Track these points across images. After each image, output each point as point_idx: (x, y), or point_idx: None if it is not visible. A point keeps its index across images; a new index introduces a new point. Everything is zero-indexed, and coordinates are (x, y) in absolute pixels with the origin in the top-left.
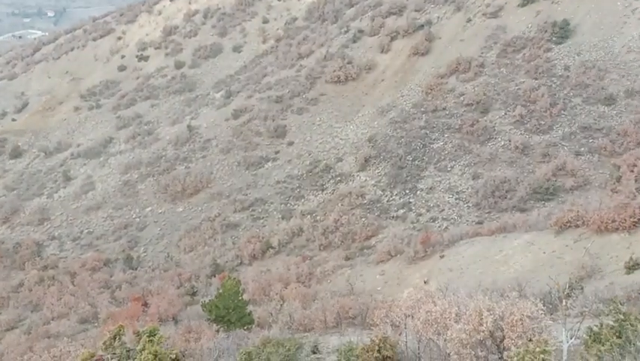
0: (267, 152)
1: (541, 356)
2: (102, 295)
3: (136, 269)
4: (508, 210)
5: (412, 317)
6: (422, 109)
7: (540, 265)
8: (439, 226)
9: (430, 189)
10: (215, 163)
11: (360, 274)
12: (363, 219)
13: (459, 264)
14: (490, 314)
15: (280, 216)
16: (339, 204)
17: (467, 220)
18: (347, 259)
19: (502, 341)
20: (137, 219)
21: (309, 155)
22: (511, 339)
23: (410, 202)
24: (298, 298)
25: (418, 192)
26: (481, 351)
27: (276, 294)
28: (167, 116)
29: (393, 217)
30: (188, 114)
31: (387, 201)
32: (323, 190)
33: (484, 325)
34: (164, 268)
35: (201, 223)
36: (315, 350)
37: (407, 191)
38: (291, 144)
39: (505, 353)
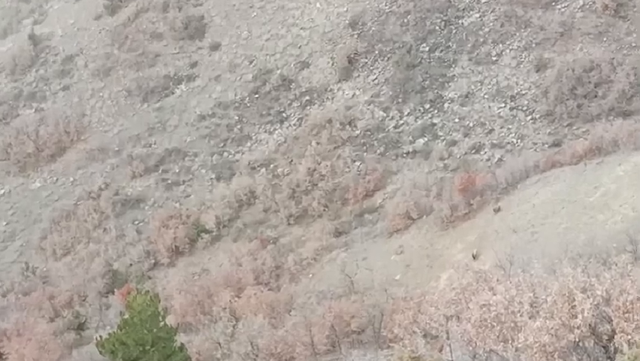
0: (177, 67)
1: None
2: None
3: None
4: (602, 116)
5: (458, 318)
6: None
7: None
8: (488, 159)
9: (466, 96)
10: (88, 97)
11: (362, 257)
12: (358, 164)
13: (528, 219)
14: (589, 297)
15: (214, 175)
16: (314, 143)
17: (535, 143)
18: (337, 234)
19: (611, 338)
20: None
21: (251, 63)
22: (626, 334)
23: (434, 124)
24: (262, 311)
25: (446, 104)
26: (579, 359)
27: (224, 309)
28: None
29: (407, 154)
30: (28, 16)
31: (395, 127)
32: (282, 121)
33: (580, 316)
34: (22, 288)
35: (77, 204)
36: None
37: (427, 105)
38: (216, 47)
39: (619, 357)
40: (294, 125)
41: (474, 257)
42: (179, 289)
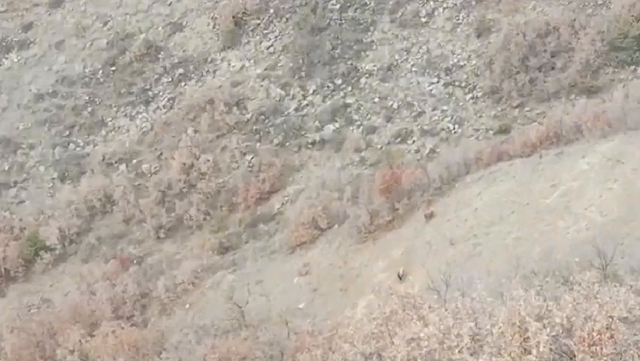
0: (4, 30)
1: None
2: None
3: None
4: (562, 94)
5: (380, 357)
6: None
7: None
8: (418, 151)
9: (389, 69)
10: None
11: (256, 280)
12: (249, 158)
13: (468, 227)
14: (545, 326)
15: (56, 174)
16: (190, 131)
17: (476, 129)
18: (223, 250)
19: None
20: None
21: (106, 25)
22: None
23: (348, 105)
24: (123, 353)
25: (363, 79)
26: None
27: (72, 351)
28: None
29: (313, 144)
30: None
31: (298, 109)
32: (148, 102)
33: (535, 351)
34: None
35: None
36: None
37: (338, 81)
38: (57, 3)
39: None
40: (164, 107)
41: (400, 278)
42: (11, 327)
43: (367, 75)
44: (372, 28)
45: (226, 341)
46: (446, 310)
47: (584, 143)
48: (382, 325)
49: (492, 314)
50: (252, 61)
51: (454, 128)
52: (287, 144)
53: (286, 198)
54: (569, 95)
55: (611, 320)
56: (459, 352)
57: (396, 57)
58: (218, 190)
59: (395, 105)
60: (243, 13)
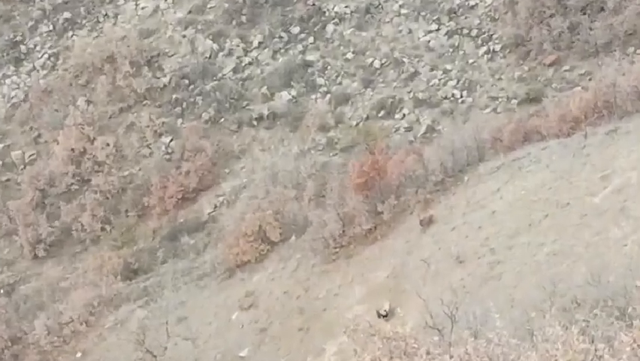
0: None
1: None
2: None
3: None
4: (614, 45)
5: None
6: None
7: None
8: (410, 128)
9: (367, 10)
10: None
11: (178, 316)
12: (167, 140)
13: (483, 238)
14: None
15: None
16: (81, 101)
17: (494, 97)
18: (129, 274)
19: None
20: None
21: None
22: None
23: (309, 64)
24: None
25: (330, 26)
26: None
27: None
28: None
29: (259, 120)
30: None
31: (237, 70)
32: (19, 61)
33: None
34: None
35: None
36: None
37: (294, 29)
38: None
39: None
40: (43, 67)
41: (383, 315)
42: None
43: (336, 20)
44: None
45: None
46: (452, 357)
47: None
48: None
49: None
50: (169, 0)
51: (461, 97)
52: (221, 120)
53: (221, 199)
54: (625, 47)
55: None
56: None
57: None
58: (123, 188)
59: (377, 64)
60: None
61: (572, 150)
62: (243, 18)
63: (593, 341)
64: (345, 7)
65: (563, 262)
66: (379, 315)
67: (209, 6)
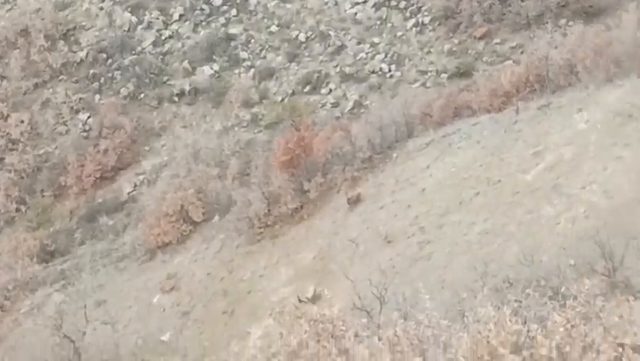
0: None
1: None
2: None
3: None
4: (546, 17)
5: None
6: None
7: None
8: (337, 104)
9: None
10: None
11: (97, 300)
12: (85, 117)
13: (412, 217)
14: None
15: None
16: None
17: (423, 71)
18: (45, 257)
19: None
20: None
21: None
22: None
23: (231, 37)
24: None
25: None
26: None
27: None
28: None
29: (180, 96)
30: None
31: (156, 44)
32: None
33: None
34: None
35: None
36: None
37: (202, 5)
38: None
39: None
40: None
41: (309, 299)
42: None
43: None
44: None
45: None
46: (380, 339)
47: (580, 90)
48: None
49: (448, 345)
50: None
51: (389, 71)
52: (141, 95)
53: (141, 178)
54: (557, 19)
55: (621, 349)
56: None
57: None
58: (38, 167)
59: (302, 37)
60: None
61: (503, 126)
62: None
63: (525, 322)
64: None
65: (494, 241)
66: (300, 299)
67: None
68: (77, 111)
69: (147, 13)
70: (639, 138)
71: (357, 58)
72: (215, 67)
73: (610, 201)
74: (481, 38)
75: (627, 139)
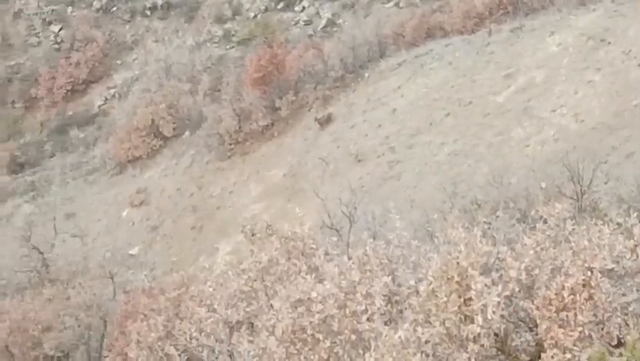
0: None
1: None
2: None
3: None
4: None
5: (252, 326)
6: None
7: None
8: (309, 22)
9: None
10: None
11: (66, 212)
12: (56, 29)
13: (383, 136)
14: (494, 283)
15: None
16: None
17: None
18: (15, 168)
19: (535, 358)
20: None
21: None
22: (561, 349)
23: None
24: None
25: None
26: None
27: None
28: None
29: (152, 10)
30: None
31: None
32: None
33: (479, 317)
34: None
35: None
36: None
37: None
38: None
39: None
40: None
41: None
42: None
43: None
44: None
45: (21, 302)
46: (350, 258)
47: (553, 14)
48: (256, 280)
49: (417, 265)
50: None
51: None
52: (113, 9)
53: (112, 92)
54: None
55: (589, 273)
56: (368, 320)
57: None
58: (9, 78)
59: None
60: None
61: (475, 48)
62: None
63: (495, 244)
64: None
65: (464, 162)
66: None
67: None
68: (49, 23)
69: None
70: (611, 62)
71: None
72: None
73: (580, 125)
74: None
75: (599, 63)
